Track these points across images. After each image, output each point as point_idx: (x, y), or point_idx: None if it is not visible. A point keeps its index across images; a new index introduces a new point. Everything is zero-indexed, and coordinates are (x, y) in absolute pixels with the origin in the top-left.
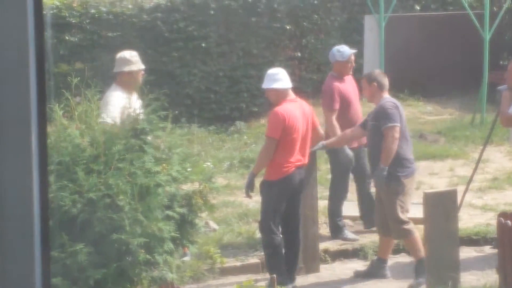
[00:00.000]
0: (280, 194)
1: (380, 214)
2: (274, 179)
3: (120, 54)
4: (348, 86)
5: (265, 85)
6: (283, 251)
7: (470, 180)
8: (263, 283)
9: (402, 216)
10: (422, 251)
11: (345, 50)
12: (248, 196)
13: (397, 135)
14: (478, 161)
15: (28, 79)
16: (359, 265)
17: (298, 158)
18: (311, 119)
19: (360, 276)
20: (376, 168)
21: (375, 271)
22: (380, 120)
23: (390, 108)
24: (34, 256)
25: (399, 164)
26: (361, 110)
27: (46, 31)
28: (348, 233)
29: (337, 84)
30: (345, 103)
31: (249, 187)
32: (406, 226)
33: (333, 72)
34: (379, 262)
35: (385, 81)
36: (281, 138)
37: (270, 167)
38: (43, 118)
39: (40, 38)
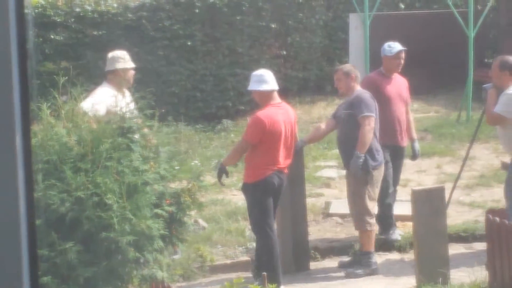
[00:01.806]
0: (261, 195)
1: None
2: (250, 181)
3: (111, 53)
4: (392, 84)
5: (251, 86)
6: (277, 251)
7: (458, 177)
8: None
9: (370, 206)
10: (372, 247)
11: (395, 46)
12: (221, 183)
13: (373, 124)
14: (465, 158)
15: (11, 79)
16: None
17: (277, 162)
18: (293, 123)
19: (345, 266)
20: (351, 156)
21: (359, 261)
22: (356, 109)
23: (368, 99)
24: (22, 256)
25: (370, 155)
26: (403, 111)
27: (31, 30)
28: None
29: (376, 78)
30: (382, 100)
31: (220, 176)
32: (370, 219)
33: (381, 68)
34: (362, 252)
35: (359, 74)
36: (261, 142)
37: (248, 170)
38: (27, 117)
39: (22, 37)
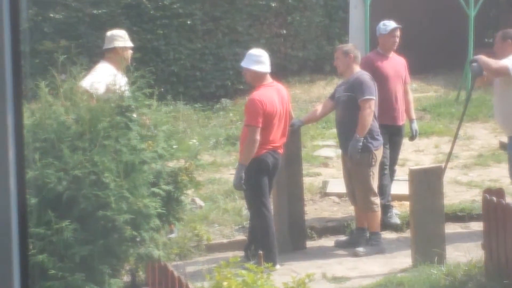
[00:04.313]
0: (256, 173)
1: (350, 185)
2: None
3: (109, 32)
4: (389, 63)
5: (245, 64)
6: (273, 230)
7: (449, 155)
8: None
9: (374, 187)
10: (379, 227)
11: (390, 24)
12: (242, 189)
13: (373, 107)
14: (455, 136)
15: (3, 58)
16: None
17: (272, 142)
18: (287, 102)
19: (341, 246)
20: (350, 138)
21: (355, 240)
22: (356, 92)
23: (368, 81)
24: (12, 237)
25: (371, 136)
26: (401, 90)
27: (24, 9)
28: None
29: (373, 58)
30: (380, 79)
31: (240, 181)
32: (376, 200)
33: (378, 47)
34: (358, 231)
35: (359, 55)
36: None
37: (243, 149)
38: (19, 98)
39: (15, 16)
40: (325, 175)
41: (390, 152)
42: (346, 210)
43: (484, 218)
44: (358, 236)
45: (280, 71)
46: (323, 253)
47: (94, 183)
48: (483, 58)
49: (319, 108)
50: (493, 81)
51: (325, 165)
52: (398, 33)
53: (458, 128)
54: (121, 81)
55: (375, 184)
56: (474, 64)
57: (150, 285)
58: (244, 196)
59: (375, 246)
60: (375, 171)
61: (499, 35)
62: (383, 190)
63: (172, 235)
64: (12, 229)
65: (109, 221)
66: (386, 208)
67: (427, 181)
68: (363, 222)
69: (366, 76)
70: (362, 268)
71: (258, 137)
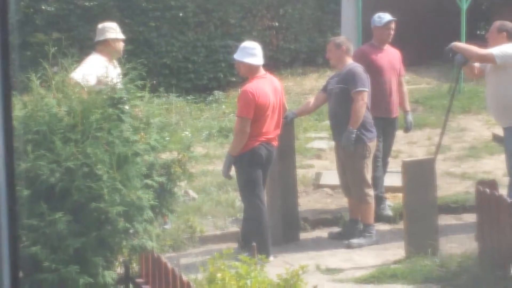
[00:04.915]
0: (250, 165)
1: (344, 177)
2: (239, 153)
3: (101, 24)
4: (384, 55)
5: (238, 56)
6: (267, 222)
7: (439, 143)
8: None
9: (368, 178)
10: (372, 219)
11: (385, 17)
12: (228, 178)
13: (366, 99)
14: (444, 128)
15: None
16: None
17: (265, 134)
18: (280, 94)
19: (334, 237)
20: (344, 130)
21: (349, 231)
22: (349, 84)
23: (361, 73)
24: (1, 229)
25: (365, 128)
26: (395, 83)
27: (22, 1)
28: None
29: (367, 50)
30: (374, 72)
31: (228, 170)
32: (370, 191)
33: (373, 40)
34: (352, 223)
35: (352, 47)
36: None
37: None
38: (8, 91)
39: (3, 7)
40: (318, 167)
41: (383, 144)
42: (339, 202)
43: (477, 209)
44: (351, 228)
45: (272, 64)
46: (316, 244)
47: (87, 175)
48: (458, 44)
49: (311, 100)
50: (484, 72)
51: (318, 157)
52: (393, 25)
53: (446, 119)
54: (113, 73)
55: (369, 176)
56: (458, 55)
57: (144, 277)
58: (237, 188)
59: (368, 237)
60: (369, 163)
61: (496, 25)
62: (376, 182)
63: (167, 226)
64: (1, 222)
65: (102, 213)
66: (379, 200)
67: (420, 173)
68: (357, 214)
69: (359, 68)
70: (355, 260)
71: (248, 128)
